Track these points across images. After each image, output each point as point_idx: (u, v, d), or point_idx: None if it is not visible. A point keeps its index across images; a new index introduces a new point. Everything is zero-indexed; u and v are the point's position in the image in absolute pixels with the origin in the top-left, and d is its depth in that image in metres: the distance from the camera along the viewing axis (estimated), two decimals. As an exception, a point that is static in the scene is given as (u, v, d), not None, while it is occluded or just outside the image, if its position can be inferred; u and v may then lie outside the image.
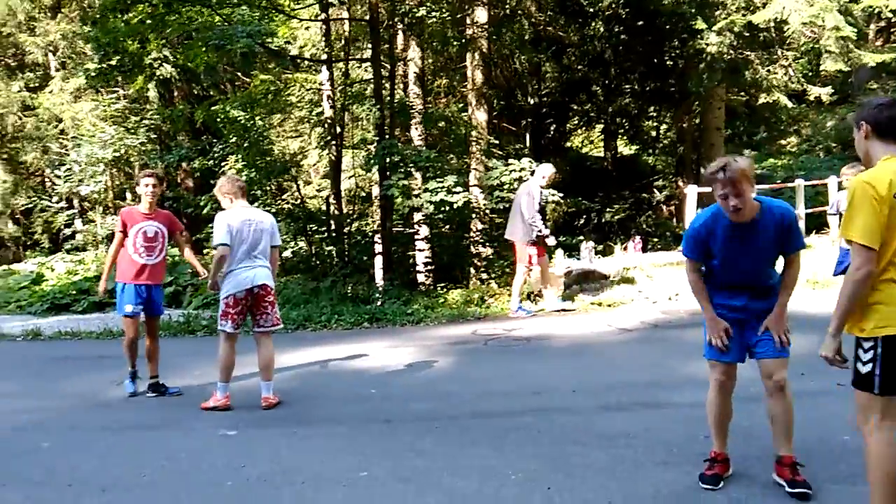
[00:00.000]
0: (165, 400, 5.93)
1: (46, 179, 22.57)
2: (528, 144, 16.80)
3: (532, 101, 16.48)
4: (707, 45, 12.05)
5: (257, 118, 13.79)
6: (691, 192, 11.44)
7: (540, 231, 8.67)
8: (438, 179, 10.67)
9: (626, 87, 16.46)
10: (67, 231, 20.90)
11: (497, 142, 14.14)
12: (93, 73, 12.24)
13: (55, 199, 20.66)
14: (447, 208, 10.69)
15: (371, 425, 4.89)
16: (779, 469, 3.47)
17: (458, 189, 10.65)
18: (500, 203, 11.14)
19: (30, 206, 22.01)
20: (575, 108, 17.38)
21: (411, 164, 11.37)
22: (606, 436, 4.37)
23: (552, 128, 17.68)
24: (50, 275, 15.66)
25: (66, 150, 19.91)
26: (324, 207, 16.50)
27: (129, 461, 4.39)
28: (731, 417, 3.68)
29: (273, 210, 14.77)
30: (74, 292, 13.22)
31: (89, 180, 18.98)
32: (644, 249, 11.22)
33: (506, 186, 11.00)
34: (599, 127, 18.97)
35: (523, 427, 4.64)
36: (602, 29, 15.79)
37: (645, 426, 4.53)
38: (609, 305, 8.98)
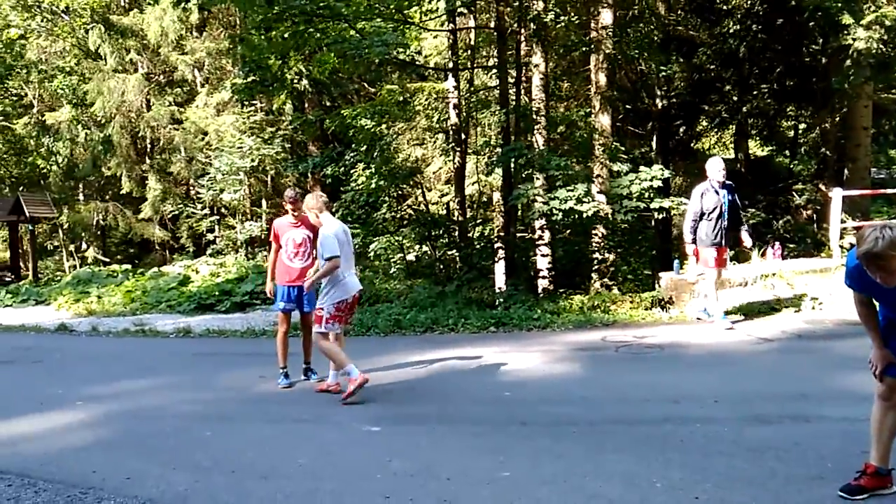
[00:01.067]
0: (312, 395, 6.22)
1: (191, 188, 24.27)
2: (654, 147, 16.36)
3: (660, 104, 16.02)
4: (854, 40, 11.30)
5: (384, 126, 14.26)
6: (836, 195, 10.78)
7: (687, 239, 8.23)
8: (569, 187, 10.57)
9: (763, 86, 15.68)
10: (210, 236, 22.42)
11: (623, 148, 13.89)
12: (239, 88, 13.09)
13: (199, 206, 22.18)
14: (576, 216, 10.59)
15: (508, 427, 4.96)
16: None
17: (588, 198, 10.53)
18: (629, 214, 10.91)
19: (176, 212, 23.76)
20: (706, 108, 16.75)
21: (538, 169, 11.38)
22: (754, 448, 4.23)
23: (681, 130, 17.12)
24: (195, 277, 16.83)
25: (210, 160, 21.36)
26: (445, 213, 16.86)
27: (284, 451, 4.69)
28: (894, 432, 3.49)
29: (398, 216, 15.28)
30: (218, 293, 14.16)
31: (230, 188, 20.30)
32: (783, 256, 10.66)
33: (635, 195, 10.76)
34: (731, 128, 18.18)
35: (664, 435, 4.56)
36: (737, 27, 15.14)
37: (794, 440, 4.34)
38: (746, 314, 8.60)
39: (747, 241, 8.50)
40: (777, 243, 10.66)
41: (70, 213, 25.74)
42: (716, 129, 18.52)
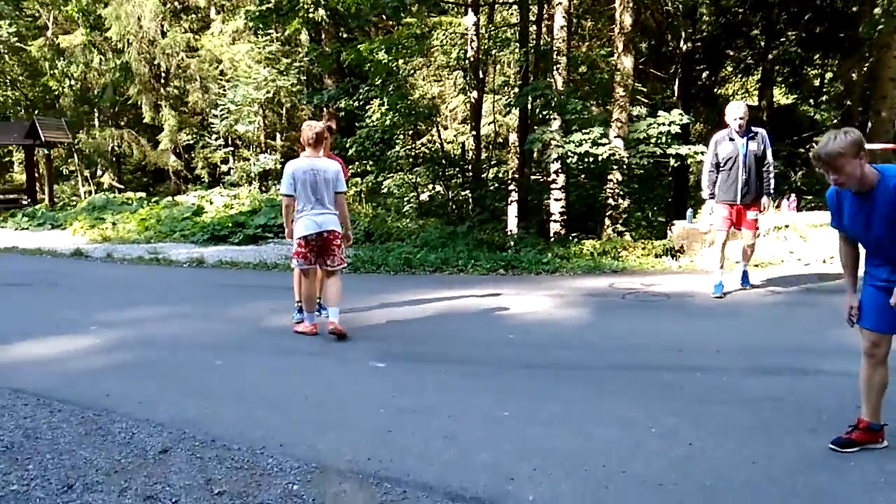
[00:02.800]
0: (321, 329, 6.26)
1: (206, 118, 24.15)
2: (676, 92, 16.04)
3: (684, 47, 15.62)
4: (887, -13, 10.94)
5: (400, 61, 14.02)
6: (857, 148, 10.57)
7: (704, 192, 7.35)
8: (585, 130, 10.42)
9: (791, 32, 15.23)
10: (224, 167, 22.43)
11: (644, 89, 13.62)
12: (254, 15, 12.85)
13: (214, 136, 22.11)
14: (590, 160, 10.48)
15: (511, 369, 5.05)
16: None
17: (604, 141, 10.37)
18: (644, 158, 10.76)
19: (191, 142, 23.71)
20: (731, 53, 16.35)
21: (555, 111, 11.21)
22: (752, 398, 4.30)
23: (704, 75, 16.74)
24: (209, 207, 16.93)
25: (224, 90, 21.18)
26: (460, 153, 16.73)
27: (293, 383, 4.82)
28: (884, 387, 3.55)
29: (412, 154, 15.18)
30: (231, 225, 14.27)
31: (244, 120, 20.18)
32: (798, 208, 10.55)
33: (652, 140, 10.60)
34: (756, 75, 17.76)
35: (664, 383, 4.63)
36: (768, -32, 14.67)
37: (793, 392, 4.41)
38: (757, 265, 8.56)
39: (763, 206, 7.25)
40: (793, 195, 10.51)
41: (85, 139, 25.76)
42: (740, 76, 18.10)
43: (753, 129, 7.12)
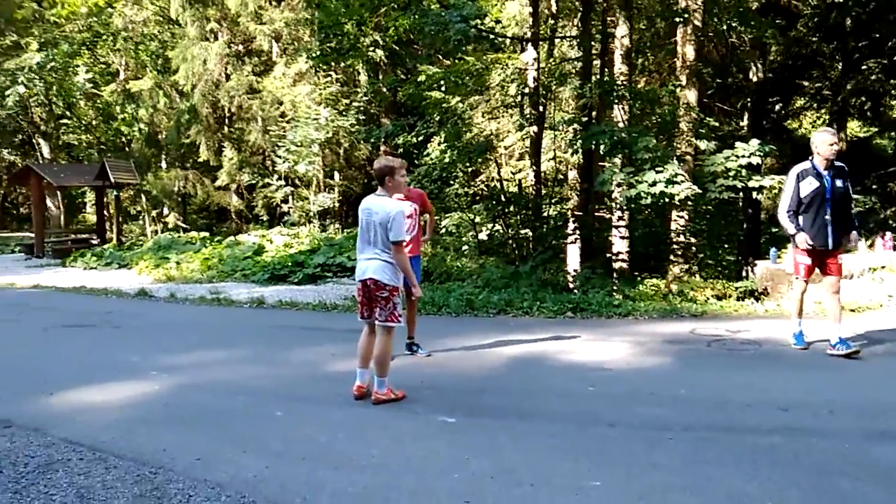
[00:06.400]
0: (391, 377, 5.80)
1: (267, 158, 24.50)
2: (746, 126, 15.40)
3: (754, 78, 15.00)
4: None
5: (457, 99, 13.83)
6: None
7: (790, 230, 6.31)
8: (658, 169, 9.80)
9: (870, 62, 14.47)
10: (284, 206, 22.63)
11: (717, 123, 13.05)
12: (315, 54, 12.94)
13: (274, 176, 22.38)
14: (666, 200, 9.85)
15: (595, 427, 4.58)
16: None
17: (680, 179, 9.75)
18: (724, 192, 10.14)
19: (252, 182, 24.06)
20: (804, 84, 15.63)
21: (623, 150, 10.73)
22: (883, 469, 3.73)
23: (776, 107, 16.04)
24: (269, 247, 16.99)
25: (285, 130, 21.46)
26: (518, 190, 16.37)
27: (357, 439, 4.45)
28: None
29: (470, 192, 14.94)
30: (291, 264, 14.22)
31: (304, 160, 20.35)
32: (894, 247, 9.80)
33: (731, 173, 10.00)
34: (830, 107, 16.95)
35: (774, 448, 4.09)
36: (843, -5, 14.03)
37: (929, 461, 3.82)
38: (853, 310, 7.89)
39: (853, 241, 6.51)
40: (888, 233, 9.77)
41: (152, 180, 26.45)
42: (815, 108, 17.30)
43: (836, 162, 6.22)
